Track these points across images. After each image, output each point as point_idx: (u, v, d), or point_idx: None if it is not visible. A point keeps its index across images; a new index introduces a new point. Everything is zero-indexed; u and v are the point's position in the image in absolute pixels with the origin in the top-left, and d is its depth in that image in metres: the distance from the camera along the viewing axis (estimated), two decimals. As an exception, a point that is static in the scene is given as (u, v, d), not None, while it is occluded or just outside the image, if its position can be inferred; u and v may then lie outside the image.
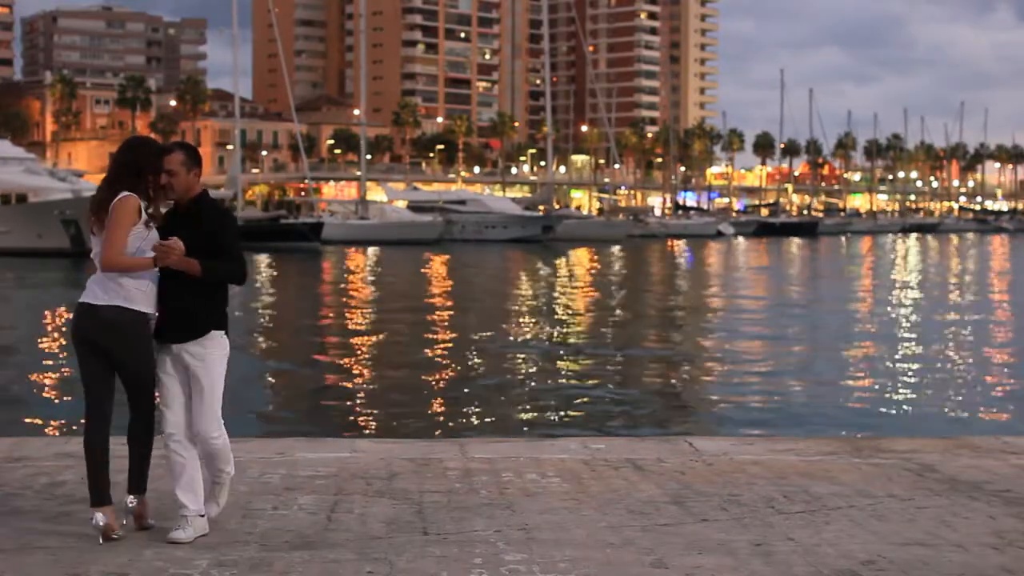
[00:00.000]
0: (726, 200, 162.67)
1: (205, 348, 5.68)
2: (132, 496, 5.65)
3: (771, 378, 20.70)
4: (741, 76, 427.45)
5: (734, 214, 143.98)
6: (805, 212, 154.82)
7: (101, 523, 5.48)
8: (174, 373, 5.72)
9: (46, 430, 15.00)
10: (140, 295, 5.54)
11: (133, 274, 5.50)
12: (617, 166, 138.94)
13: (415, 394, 18.27)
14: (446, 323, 30.42)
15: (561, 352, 24.25)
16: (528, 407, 17.30)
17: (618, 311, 35.86)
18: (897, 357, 23.81)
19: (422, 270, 55.77)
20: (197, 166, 5.71)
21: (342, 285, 46.00)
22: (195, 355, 5.66)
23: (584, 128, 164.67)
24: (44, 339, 26.00)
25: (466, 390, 18.73)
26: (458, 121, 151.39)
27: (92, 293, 5.57)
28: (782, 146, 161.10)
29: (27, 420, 15.90)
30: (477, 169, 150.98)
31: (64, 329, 28.82)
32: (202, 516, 5.64)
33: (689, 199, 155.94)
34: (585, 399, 18.18)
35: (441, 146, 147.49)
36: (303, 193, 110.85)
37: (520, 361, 22.68)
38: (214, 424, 5.72)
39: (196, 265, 5.54)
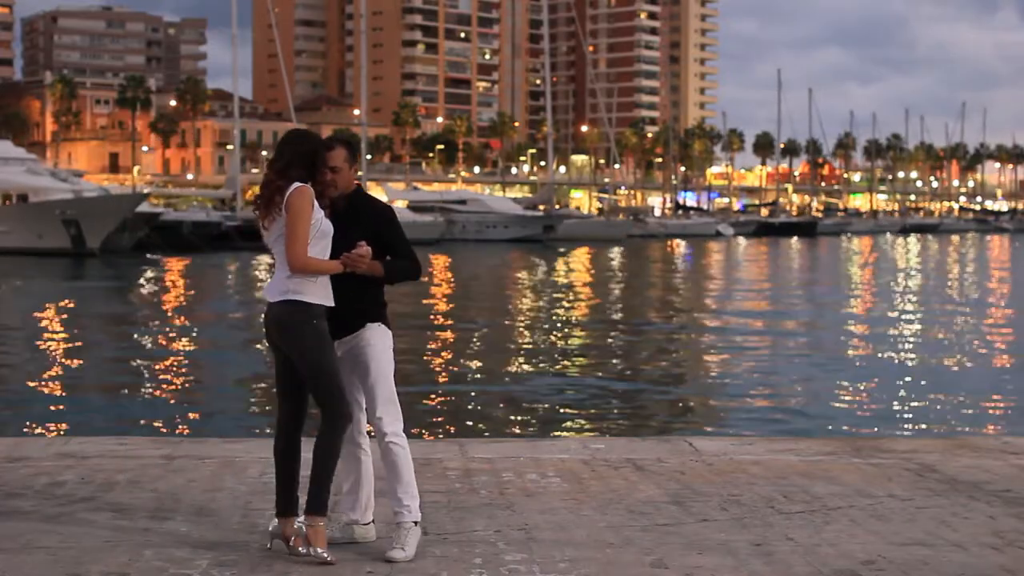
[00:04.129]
0: (726, 200, 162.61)
1: (366, 340, 5.42)
2: (278, 518, 5.30)
3: (771, 378, 20.70)
4: (743, 76, 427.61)
5: (734, 214, 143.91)
6: (805, 212, 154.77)
7: (270, 528, 5.34)
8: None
9: (46, 430, 15.00)
10: (312, 287, 5.24)
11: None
12: (617, 166, 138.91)
13: (415, 394, 18.27)
14: (446, 323, 30.41)
15: (561, 352, 24.25)
16: (528, 407, 17.31)
17: (618, 311, 35.87)
18: (897, 357, 23.81)
19: (423, 270, 55.69)
20: (356, 161, 5.58)
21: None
22: (358, 348, 5.43)
23: (584, 128, 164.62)
24: (44, 339, 25.99)
25: (466, 390, 18.74)
26: (458, 121, 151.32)
27: (268, 290, 5.34)
28: (782, 146, 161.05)
29: (27, 420, 15.90)
30: (477, 169, 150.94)
31: (63, 328, 28.82)
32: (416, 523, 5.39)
33: (689, 199, 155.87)
34: (585, 399, 18.18)
35: (441, 146, 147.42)
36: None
37: (520, 361, 22.68)
38: (392, 415, 5.40)
39: (380, 268, 5.37)
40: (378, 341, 5.45)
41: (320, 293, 5.27)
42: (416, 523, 5.39)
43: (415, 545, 5.33)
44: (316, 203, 5.26)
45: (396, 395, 5.46)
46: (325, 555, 5.19)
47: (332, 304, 5.31)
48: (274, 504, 5.42)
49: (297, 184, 5.22)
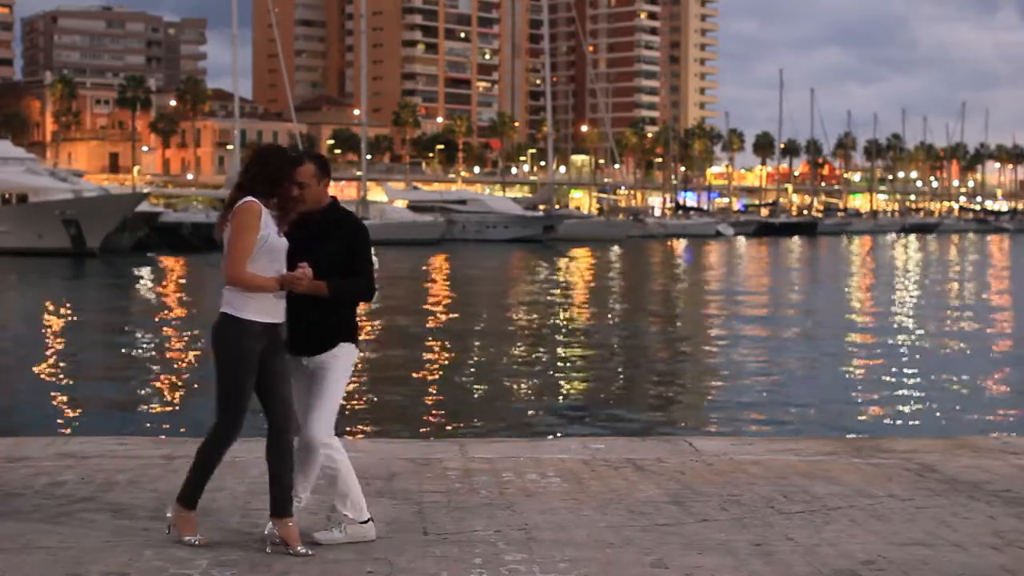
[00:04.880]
0: (726, 200, 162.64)
1: (331, 356, 5.54)
2: (271, 519, 5.48)
3: (771, 378, 20.71)
4: (744, 76, 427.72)
5: (734, 214, 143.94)
6: (805, 212, 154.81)
7: (266, 531, 5.47)
8: (303, 382, 5.58)
9: (46, 430, 15.00)
10: (251, 302, 5.33)
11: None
12: (617, 166, 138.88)
13: (415, 394, 18.28)
14: (446, 323, 30.41)
15: (561, 352, 24.25)
16: (528, 407, 17.31)
17: (618, 311, 35.87)
18: (897, 357, 23.80)
19: (423, 270, 55.75)
20: (327, 176, 5.60)
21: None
22: (320, 363, 5.54)
23: (584, 128, 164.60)
24: (44, 339, 25.99)
25: (466, 390, 18.73)
26: (458, 121, 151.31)
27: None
28: (782, 146, 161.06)
29: (27, 420, 15.91)
30: (477, 169, 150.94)
31: (63, 328, 28.81)
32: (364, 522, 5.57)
33: (689, 199, 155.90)
34: (585, 399, 18.18)
35: (441, 146, 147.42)
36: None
37: (520, 361, 22.68)
38: (324, 429, 5.49)
39: (324, 288, 5.42)
40: (342, 360, 5.57)
41: (259, 309, 5.35)
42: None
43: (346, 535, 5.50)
44: (268, 219, 5.33)
45: (335, 411, 5.56)
46: (195, 541, 5.39)
47: (277, 321, 5.40)
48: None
49: (247, 199, 5.31)
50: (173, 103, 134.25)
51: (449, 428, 15.13)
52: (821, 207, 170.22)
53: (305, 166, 5.49)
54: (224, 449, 5.48)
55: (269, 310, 5.37)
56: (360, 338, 5.72)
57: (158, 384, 19.54)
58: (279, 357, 5.44)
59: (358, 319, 5.75)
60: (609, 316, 33.79)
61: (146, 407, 17.34)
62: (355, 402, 17.65)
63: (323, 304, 5.48)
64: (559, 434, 13.90)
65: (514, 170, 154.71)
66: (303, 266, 5.38)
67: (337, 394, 5.56)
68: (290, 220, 5.45)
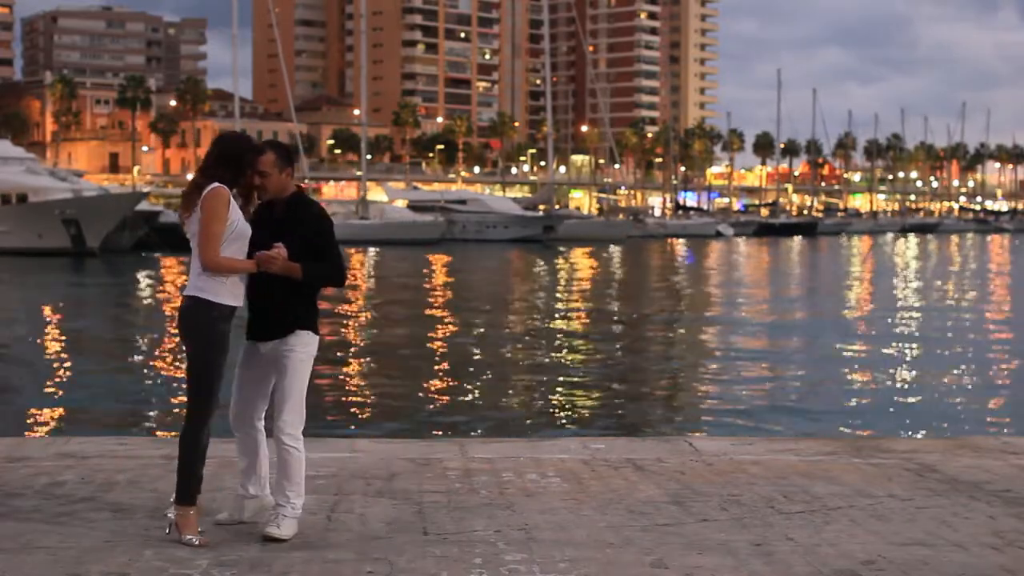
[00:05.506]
0: (726, 200, 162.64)
1: (290, 346, 5.59)
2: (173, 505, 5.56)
3: (771, 378, 20.71)
4: (743, 76, 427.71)
5: (734, 214, 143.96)
6: (805, 212, 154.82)
7: (169, 513, 5.55)
8: (257, 369, 5.68)
9: (46, 430, 15.01)
10: (220, 287, 5.42)
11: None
12: (617, 166, 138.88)
13: (415, 394, 18.28)
14: (446, 323, 30.41)
15: (561, 352, 24.25)
16: (528, 407, 17.31)
17: (618, 311, 35.87)
18: (897, 357, 23.81)
19: (423, 270, 55.74)
20: (289, 165, 5.64)
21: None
22: (280, 352, 5.60)
23: (584, 128, 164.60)
24: (44, 339, 25.99)
25: (466, 390, 18.73)
26: (458, 121, 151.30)
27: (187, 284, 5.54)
28: (781, 146, 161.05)
29: (27, 420, 15.91)
30: (477, 169, 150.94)
31: (63, 328, 28.80)
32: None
33: (689, 199, 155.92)
34: (585, 399, 18.19)
35: (441, 146, 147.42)
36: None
37: (520, 361, 22.68)
38: (291, 422, 5.58)
39: (298, 270, 5.48)
40: (301, 349, 5.61)
41: (228, 293, 5.44)
42: (295, 518, 5.60)
43: (291, 529, 5.53)
44: (235, 205, 5.41)
45: (304, 402, 5.63)
46: (195, 541, 5.38)
47: (240, 304, 5.50)
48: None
49: (215, 185, 5.37)
50: (173, 103, 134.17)
51: (449, 428, 15.13)
52: (821, 207, 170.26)
53: (266, 155, 5.54)
54: (203, 434, 5.53)
55: (236, 294, 5.48)
56: (321, 329, 5.77)
57: (158, 384, 19.54)
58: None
59: (320, 309, 5.79)
60: (609, 316, 33.79)
61: (146, 407, 17.34)
62: (355, 402, 17.66)
63: (285, 289, 5.53)
64: (559, 434, 13.90)
65: (514, 170, 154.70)
66: (278, 246, 5.44)
67: (301, 384, 5.61)
68: (251, 208, 5.56)
